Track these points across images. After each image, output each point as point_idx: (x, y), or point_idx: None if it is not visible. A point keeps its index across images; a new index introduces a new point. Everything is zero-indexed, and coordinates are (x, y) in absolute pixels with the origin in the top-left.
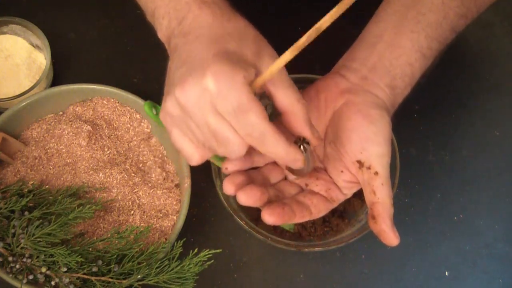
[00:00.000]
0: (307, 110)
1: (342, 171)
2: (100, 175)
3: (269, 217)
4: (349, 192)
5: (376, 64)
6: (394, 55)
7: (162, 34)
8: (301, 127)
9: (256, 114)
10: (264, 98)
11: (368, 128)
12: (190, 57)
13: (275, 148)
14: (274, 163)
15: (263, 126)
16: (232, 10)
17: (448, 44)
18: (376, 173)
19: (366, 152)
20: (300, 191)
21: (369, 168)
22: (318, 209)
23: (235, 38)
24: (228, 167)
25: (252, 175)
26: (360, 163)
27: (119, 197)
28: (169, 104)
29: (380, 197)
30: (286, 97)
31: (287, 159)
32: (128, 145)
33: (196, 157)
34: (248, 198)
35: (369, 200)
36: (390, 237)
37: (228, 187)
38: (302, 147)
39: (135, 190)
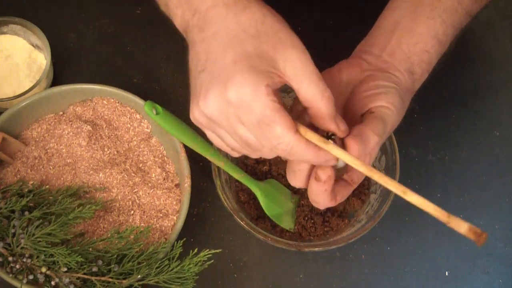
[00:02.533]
0: (332, 103)
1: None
2: (100, 175)
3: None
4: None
5: (394, 50)
6: (411, 42)
7: (178, 24)
8: (327, 123)
9: (281, 126)
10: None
11: (380, 87)
12: (209, 60)
13: (304, 156)
14: None
15: (289, 138)
16: None
17: (463, 29)
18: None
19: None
20: None
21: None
22: (342, 195)
23: (252, 34)
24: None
25: None
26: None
27: (119, 197)
28: (196, 113)
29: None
30: (310, 92)
31: (319, 163)
32: (128, 145)
33: (234, 154)
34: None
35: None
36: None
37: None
38: (331, 141)
39: (135, 190)
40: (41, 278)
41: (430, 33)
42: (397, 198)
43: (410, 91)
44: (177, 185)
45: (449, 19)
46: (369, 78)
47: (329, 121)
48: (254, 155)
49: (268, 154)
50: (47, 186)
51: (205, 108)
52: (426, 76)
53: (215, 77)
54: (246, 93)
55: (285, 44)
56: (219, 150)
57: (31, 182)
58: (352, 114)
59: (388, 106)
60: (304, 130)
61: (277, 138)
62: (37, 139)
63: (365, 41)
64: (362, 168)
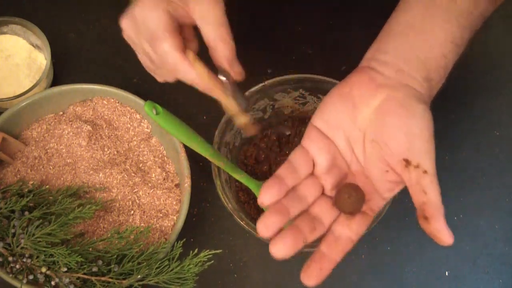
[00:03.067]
0: (231, 49)
1: (387, 171)
2: (100, 175)
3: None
4: (390, 195)
5: (409, 55)
6: (427, 47)
7: None
8: (223, 63)
9: (169, 43)
10: (238, 92)
11: (413, 124)
12: None
13: (188, 74)
14: (311, 177)
15: (174, 56)
16: None
17: (477, 31)
18: (425, 172)
19: (413, 150)
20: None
21: (417, 166)
22: (357, 232)
23: None
24: (263, 201)
25: (287, 202)
26: (407, 162)
27: (119, 197)
28: (123, 30)
29: (431, 197)
30: (210, 34)
31: (203, 85)
32: (128, 145)
33: (157, 78)
34: (282, 250)
35: (419, 200)
36: (446, 236)
37: (263, 230)
38: (221, 76)
39: (135, 190)
40: (41, 278)
41: (447, 37)
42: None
43: (428, 102)
44: (177, 185)
45: (466, 22)
46: (390, 105)
47: (225, 62)
48: (159, 78)
49: (168, 76)
50: (47, 186)
51: (122, 24)
52: (443, 82)
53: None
54: (146, 11)
55: None
56: (218, 150)
57: (31, 182)
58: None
59: (426, 151)
60: (193, 57)
61: (165, 53)
62: (37, 139)
63: (376, 46)
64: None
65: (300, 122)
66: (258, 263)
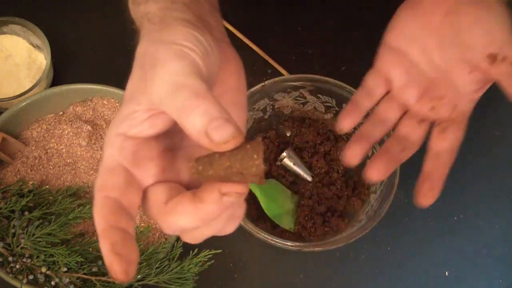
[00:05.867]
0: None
1: (470, 72)
2: None
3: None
4: (478, 95)
5: (439, 28)
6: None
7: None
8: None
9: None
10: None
11: (490, 17)
12: None
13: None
14: (389, 98)
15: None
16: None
17: None
18: None
19: (496, 43)
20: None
21: (504, 59)
22: (456, 139)
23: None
24: (342, 128)
25: (369, 127)
26: (493, 57)
27: None
28: None
29: None
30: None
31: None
32: None
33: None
34: (376, 175)
35: None
36: None
37: (349, 161)
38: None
39: None
40: (41, 278)
41: None
42: (397, 198)
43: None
44: None
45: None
46: (463, 4)
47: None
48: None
49: None
50: (47, 186)
51: None
52: None
53: None
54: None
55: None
56: None
57: (31, 182)
58: None
59: (510, 42)
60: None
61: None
62: (37, 139)
63: (394, 25)
64: None
65: (300, 122)
66: (258, 263)
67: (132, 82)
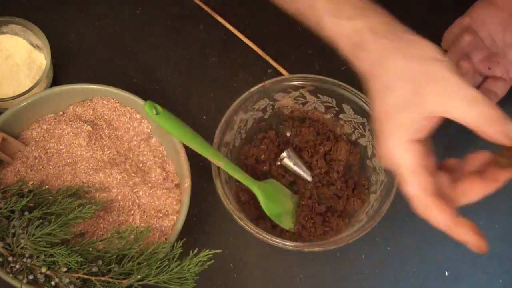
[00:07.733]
0: (491, 108)
1: None
2: (100, 175)
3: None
4: None
5: None
6: None
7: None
8: (491, 137)
9: (412, 186)
10: None
11: None
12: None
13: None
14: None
15: (418, 200)
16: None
17: None
18: None
19: None
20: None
21: None
22: (502, 91)
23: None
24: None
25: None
26: None
27: (119, 197)
28: None
29: None
30: (459, 115)
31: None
32: (128, 145)
33: None
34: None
35: None
36: None
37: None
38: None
39: (135, 190)
40: (41, 278)
41: None
42: (397, 198)
43: None
44: (177, 185)
45: None
46: None
47: (493, 135)
48: None
49: None
50: (47, 186)
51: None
52: None
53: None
54: (387, 149)
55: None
56: (218, 150)
57: (31, 182)
58: None
59: None
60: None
61: (407, 193)
62: (37, 139)
63: (469, 12)
64: None
65: (300, 122)
66: (258, 263)
67: (398, 94)
